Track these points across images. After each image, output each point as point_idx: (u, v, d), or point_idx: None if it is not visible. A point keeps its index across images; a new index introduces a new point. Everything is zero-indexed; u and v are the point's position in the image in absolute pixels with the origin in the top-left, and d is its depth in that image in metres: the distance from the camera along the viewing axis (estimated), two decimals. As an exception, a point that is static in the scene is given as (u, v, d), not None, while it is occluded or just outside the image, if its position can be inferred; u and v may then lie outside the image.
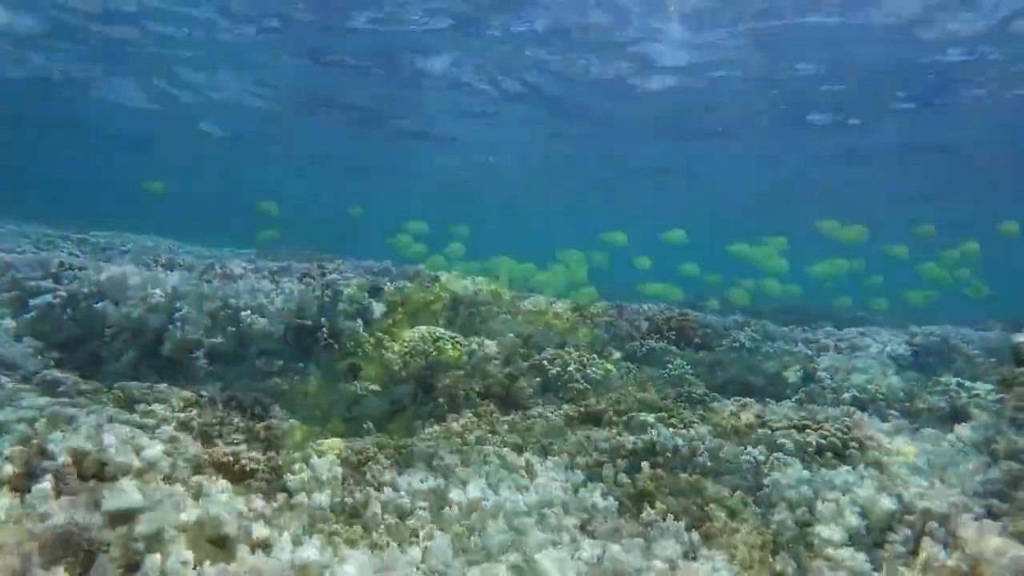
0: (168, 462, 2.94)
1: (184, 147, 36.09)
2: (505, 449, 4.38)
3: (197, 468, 3.10)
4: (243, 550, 2.63)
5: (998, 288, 7.77)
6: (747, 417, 5.37)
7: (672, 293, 7.04)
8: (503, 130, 26.64)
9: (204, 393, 7.10)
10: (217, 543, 2.77)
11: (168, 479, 2.92)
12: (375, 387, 5.40)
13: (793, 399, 6.12)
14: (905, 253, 7.41)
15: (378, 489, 3.90)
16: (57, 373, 6.28)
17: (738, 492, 4.63)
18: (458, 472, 4.09)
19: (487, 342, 5.39)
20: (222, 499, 2.96)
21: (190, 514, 2.73)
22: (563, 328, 6.08)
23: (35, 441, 2.67)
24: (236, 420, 3.26)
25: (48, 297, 7.88)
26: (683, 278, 7.54)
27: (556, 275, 6.70)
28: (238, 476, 3.49)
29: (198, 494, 2.90)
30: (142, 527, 2.50)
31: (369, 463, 4.10)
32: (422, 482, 3.94)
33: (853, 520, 4.24)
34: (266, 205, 8.11)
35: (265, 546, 2.96)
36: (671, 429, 5.10)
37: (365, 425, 5.22)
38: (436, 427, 4.72)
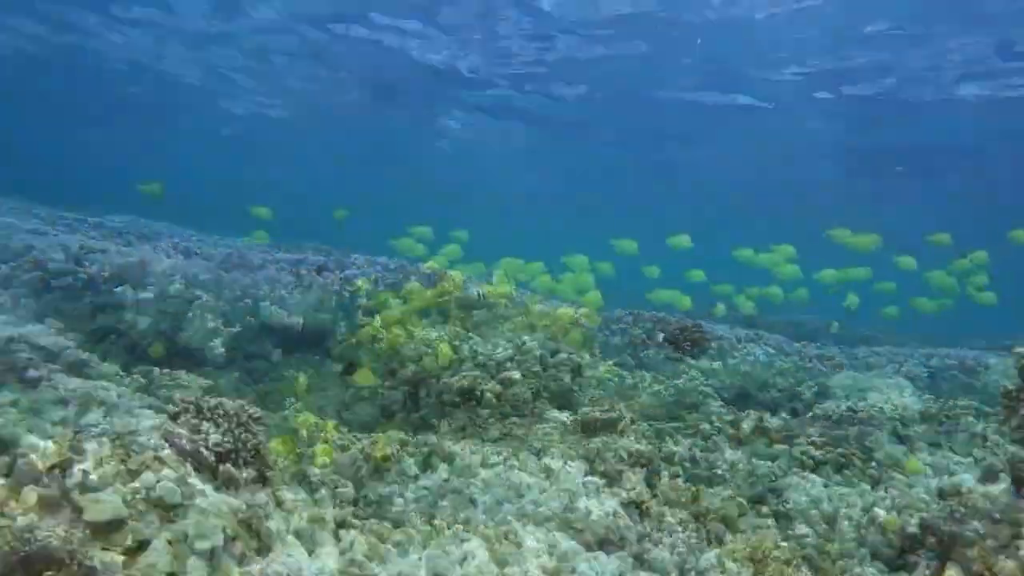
0: (199, 450, 2.72)
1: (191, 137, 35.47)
2: (523, 452, 4.12)
3: (221, 458, 2.84)
4: (286, 544, 2.42)
5: (1002, 294, 7.41)
6: (764, 431, 5.11)
7: (682, 301, 6.72)
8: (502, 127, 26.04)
9: (221, 380, 6.88)
10: (253, 536, 2.54)
11: (198, 469, 2.68)
12: (387, 387, 5.08)
13: (808, 415, 5.83)
14: (913, 264, 7.09)
15: (403, 486, 3.67)
16: (81, 354, 6.05)
17: (758, 505, 4.40)
18: (481, 474, 3.84)
19: (500, 344, 5.07)
20: (258, 495, 2.75)
21: (228, 506, 2.58)
22: (573, 333, 5.76)
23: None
24: (224, 425, 2.97)
25: (69, 279, 7.64)
26: (688, 285, 7.21)
27: (566, 282, 6.40)
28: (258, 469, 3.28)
29: (229, 488, 2.71)
30: (189, 524, 2.38)
31: (390, 460, 3.86)
32: (446, 481, 3.70)
33: (875, 537, 4.03)
34: (259, 210, 7.80)
35: (302, 539, 2.74)
36: (688, 439, 4.87)
37: (381, 420, 4.97)
38: (452, 427, 4.44)
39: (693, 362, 6.57)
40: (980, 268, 6.95)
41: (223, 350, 7.08)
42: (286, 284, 9.55)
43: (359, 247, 14.15)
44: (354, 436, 3.97)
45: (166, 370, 6.58)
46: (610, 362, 5.41)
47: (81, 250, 8.61)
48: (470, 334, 4.96)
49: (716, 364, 6.62)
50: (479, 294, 5.39)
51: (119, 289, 7.58)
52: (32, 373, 5.59)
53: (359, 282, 7.37)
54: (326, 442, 3.70)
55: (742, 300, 7.18)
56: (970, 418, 5.49)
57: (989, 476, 4.72)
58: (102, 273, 7.95)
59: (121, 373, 6.16)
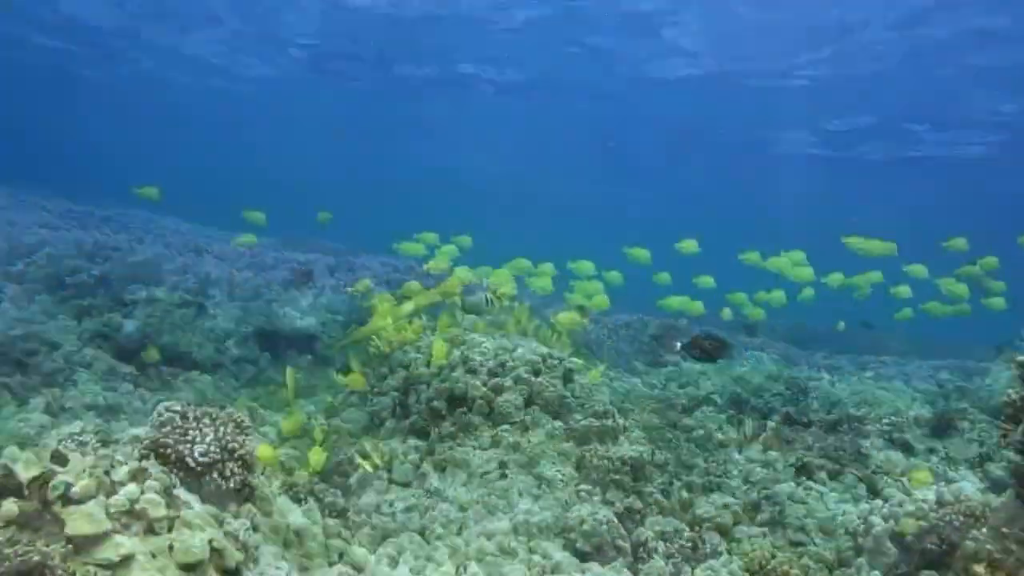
0: (185, 460, 2.68)
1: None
2: (516, 460, 4.04)
3: (207, 469, 2.78)
4: (275, 557, 2.38)
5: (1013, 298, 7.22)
6: (762, 437, 5.00)
7: (693, 307, 6.57)
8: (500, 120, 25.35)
9: (211, 384, 6.79)
10: (240, 549, 2.50)
11: (184, 480, 2.64)
12: (377, 393, 4.92)
13: (805, 421, 5.70)
14: (924, 272, 6.92)
15: (394, 495, 3.62)
16: (95, 352, 6.04)
17: (754, 512, 4.30)
18: (473, 482, 3.78)
19: (492, 349, 4.89)
20: (245, 507, 2.71)
21: (214, 518, 2.55)
22: (565, 338, 5.60)
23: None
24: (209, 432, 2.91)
25: (83, 276, 7.64)
26: (697, 291, 7.05)
27: (577, 289, 6.26)
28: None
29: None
30: (174, 537, 2.37)
31: (380, 468, 3.80)
32: (437, 490, 3.65)
33: (873, 546, 3.92)
34: (253, 214, 7.72)
35: (290, 551, 2.70)
36: (684, 445, 4.77)
37: (371, 426, 4.88)
38: (442, 434, 4.33)
39: (692, 366, 6.45)
40: (990, 274, 6.78)
41: (236, 351, 7.03)
42: (300, 286, 9.53)
43: (366, 247, 13.94)
44: (344, 443, 3.91)
45: (178, 370, 6.57)
46: (603, 367, 5.28)
47: (95, 246, 8.63)
48: (462, 338, 4.84)
49: (717, 368, 6.49)
50: (487, 299, 5.23)
51: (131, 288, 7.57)
52: (48, 366, 5.63)
53: (363, 282, 7.26)
54: (320, 445, 3.64)
55: (749, 308, 7.02)
56: (967, 424, 5.34)
57: (995, 487, 4.58)
58: (115, 271, 7.95)
59: (136, 371, 6.17)
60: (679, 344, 4.66)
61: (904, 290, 7.03)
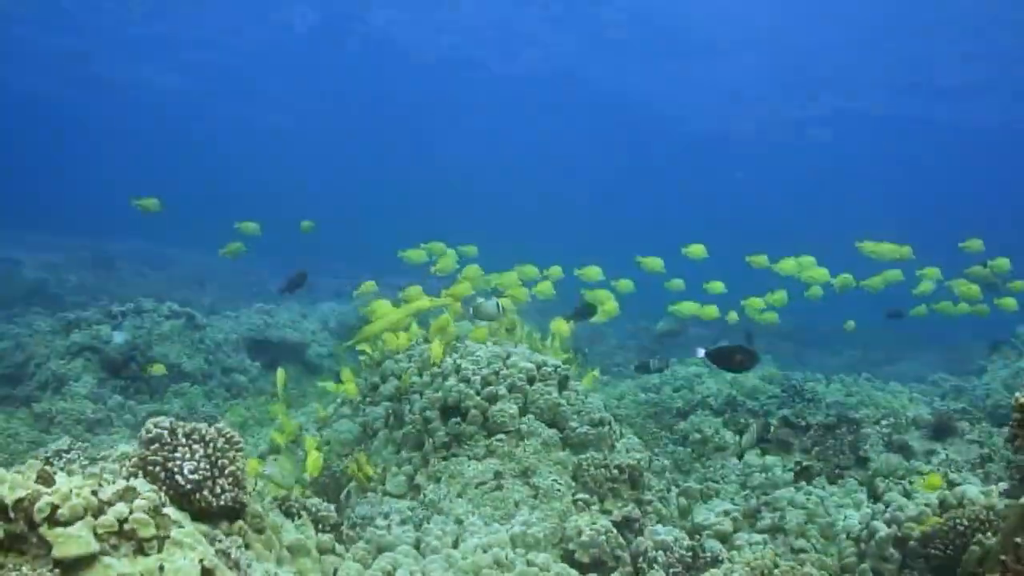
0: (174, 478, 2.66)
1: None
2: (511, 470, 4.02)
3: (197, 486, 2.76)
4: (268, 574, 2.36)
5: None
6: (760, 441, 5.00)
7: (707, 312, 6.53)
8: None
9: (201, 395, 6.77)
10: (232, 567, 2.48)
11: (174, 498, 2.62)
12: (369, 403, 4.84)
13: (803, 424, 5.68)
14: (938, 275, 6.96)
15: (388, 507, 3.59)
16: (83, 364, 6.03)
17: (753, 519, 4.29)
18: (469, 493, 3.76)
19: (485, 358, 4.83)
20: (236, 524, 2.70)
21: (205, 537, 2.51)
22: (556, 344, 5.56)
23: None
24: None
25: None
26: (708, 298, 7.02)
27: (589, 297, 6.24)
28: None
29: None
30: (164, 557, 2.36)
31: (373, 480, 3.78)
32: (432, 502, 3.63)
33: (876, 552, 3.91)
34: (246, 225, 7.70)
35: (283, 568, 2.68)
36: (681, 450, 4.77)
37: (363, 437, 4.84)
38: (436, 444, 4.29)
39: (687, 369, 6.44)
40: (1000, 276, 6.83)
41: (243, 373, 7.00)
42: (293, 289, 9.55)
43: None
44: (337, 455, 3.89)
45: (144, 385, 6.51)
46: (596, 371, 5.26)
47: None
48: (455, 344, 4.81)
49: (712, 371, 6.48)
50: (499, 306, 5.18)
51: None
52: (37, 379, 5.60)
53: (367, 284, 7.20)
54: (317, 449, 3.62)
55: (758, 313, 7.00)
56: (966, 425, 5.34)
57: (1012, 491, 4.56)
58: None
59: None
60: (701, 351, 4.63)
61: (927, 286, 7.07)
